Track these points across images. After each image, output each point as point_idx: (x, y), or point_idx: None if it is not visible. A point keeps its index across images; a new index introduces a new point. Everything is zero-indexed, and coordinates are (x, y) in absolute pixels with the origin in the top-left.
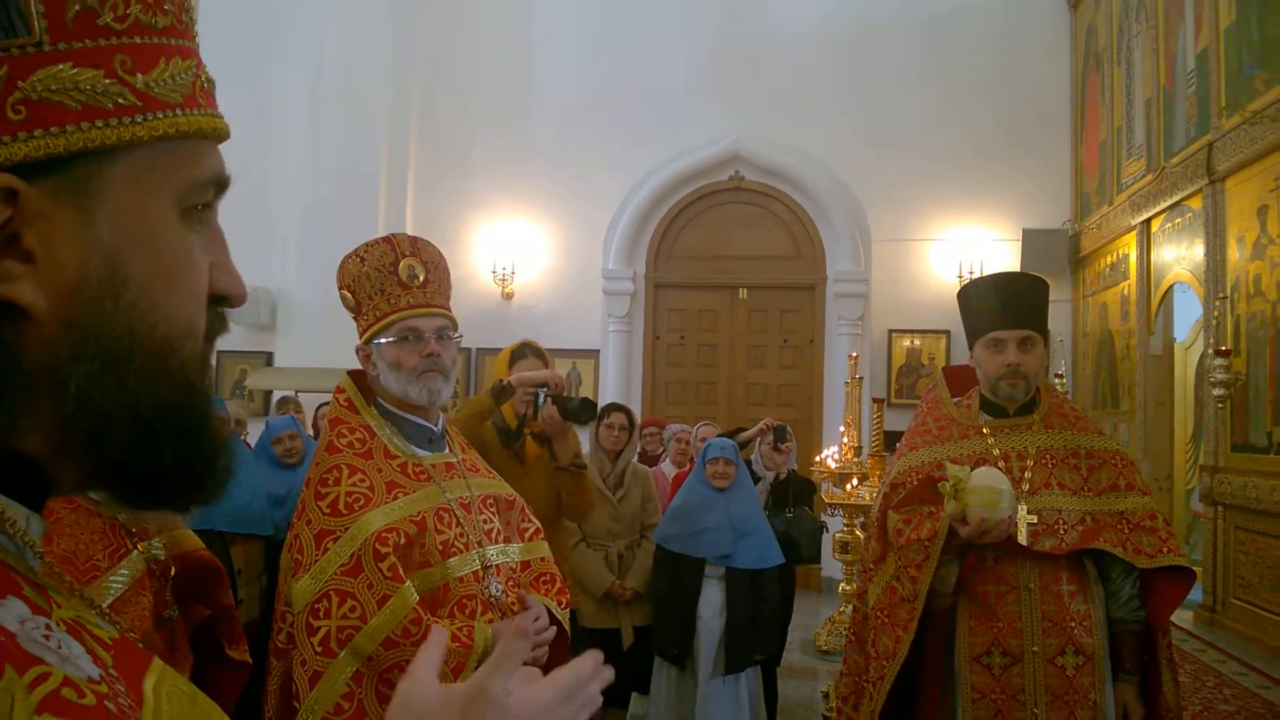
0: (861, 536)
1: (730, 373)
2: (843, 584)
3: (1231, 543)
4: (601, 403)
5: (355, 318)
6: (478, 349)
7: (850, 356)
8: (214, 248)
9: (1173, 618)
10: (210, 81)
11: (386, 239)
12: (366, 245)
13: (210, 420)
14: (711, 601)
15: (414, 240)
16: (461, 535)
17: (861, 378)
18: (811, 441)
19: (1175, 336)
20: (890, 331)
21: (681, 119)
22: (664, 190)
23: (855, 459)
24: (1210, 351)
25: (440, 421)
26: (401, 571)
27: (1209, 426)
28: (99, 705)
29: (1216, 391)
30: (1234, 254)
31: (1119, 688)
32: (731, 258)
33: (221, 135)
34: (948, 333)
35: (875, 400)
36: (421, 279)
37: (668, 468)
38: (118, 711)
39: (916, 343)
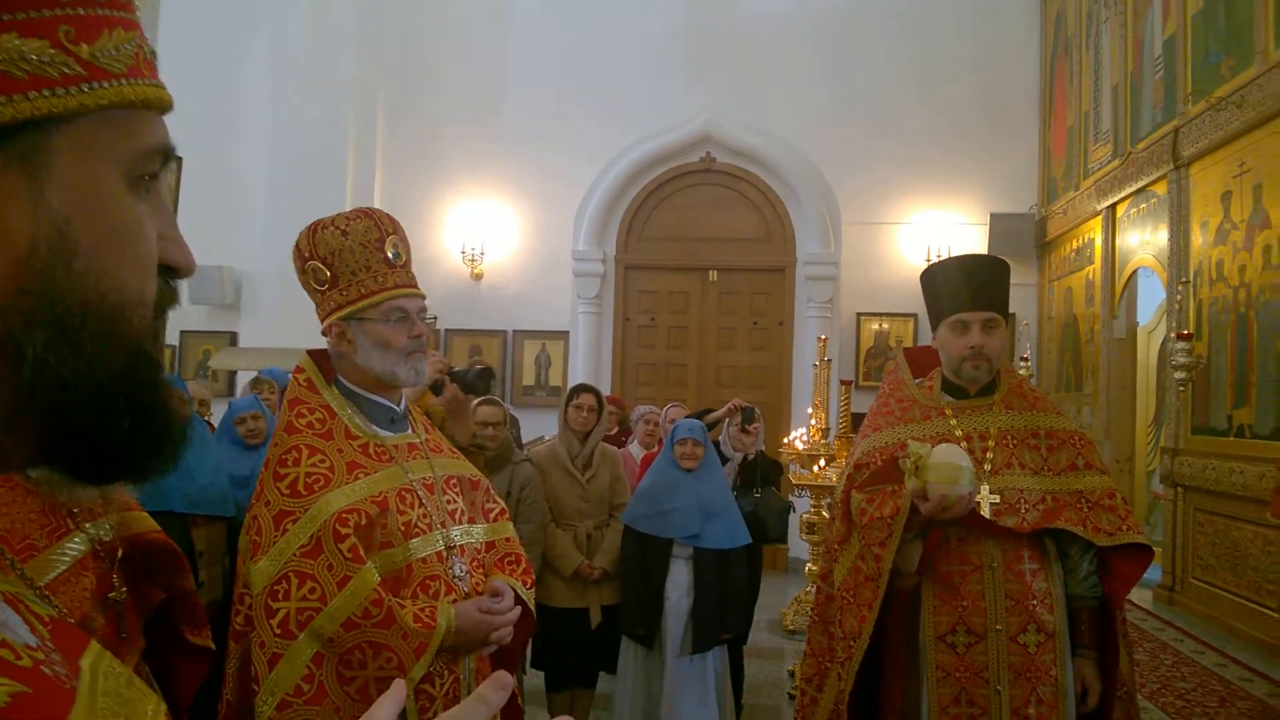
0: (827, 517)
1: (700, 354)
2: (809, 564)
3: (1190, 524)
4: (571, 384)
5: (324, 291)
6: (447, 330)
7: (819, 339)
8: (161, 218)
9: (1133, 597)
10: (153, 53)
11: (365, 213)
12: (344, 218)
13: (163, 388)
14: (679, 581)
15: (392, 219)
16: (425, 516)
17: (830, 360)
18: (780, 423)
19: (1138, 321)
20: (859, 314)
21: (653, 100)
22: (635, 171)
23: (823, 440)
24: (1172, 335)
25: (402, 401)
26: (362, 552)
27: (1170, 409)
28: (35, 669)
29: (1178, 375)
30: (1197, 239)
31: (1077, 663)
32: (702, 240)
33: (165, 106)
34: (915, 316)
35: (843, 382)
36: (404, 258)
37: (635, 449)
38: (54, 677)
39: (885, 326)
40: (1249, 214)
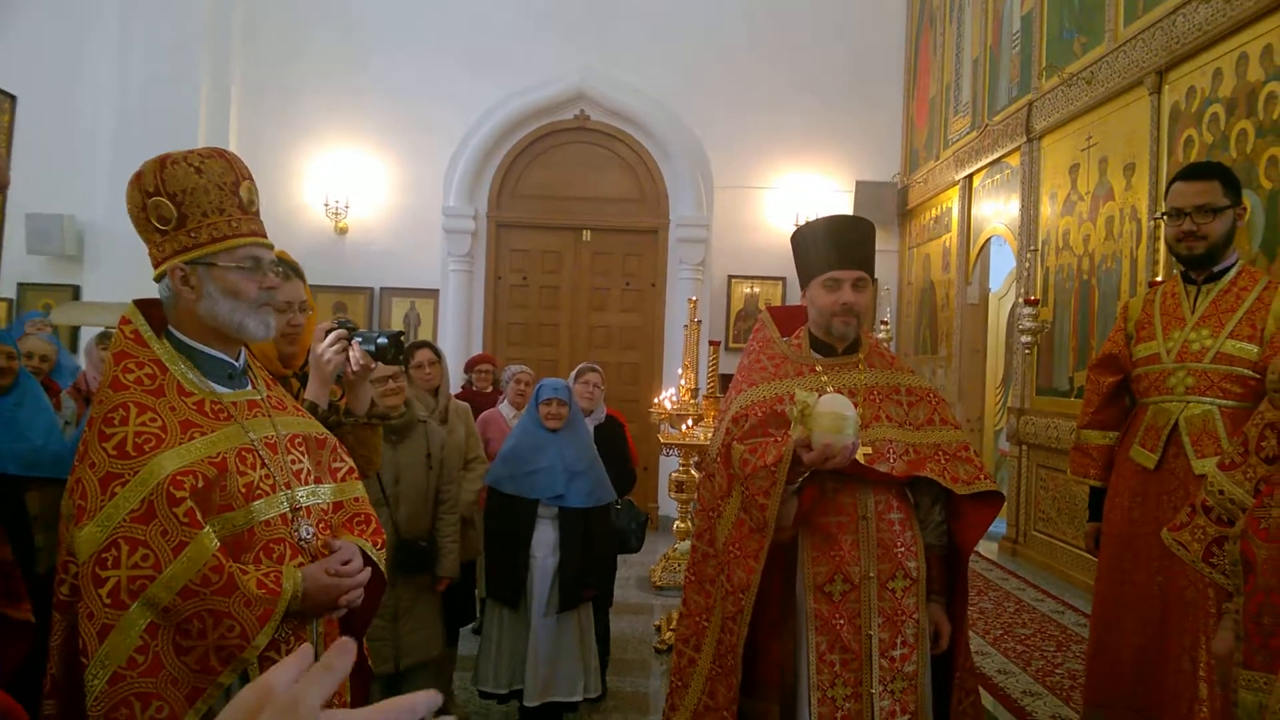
0: (697, 476)
1: (573, 314)
2: (678, 522)
3: (1034, 480)
4: (441, 343)
5: (167, 231)
6: (309, 286)
7: (689, 300)
8: None
9: (980, 549)
10: None
11: (220, 153)
12: (198, 155)
13: None
14: (544, 541)
15: (243, 163)
16: (267, 477)
17: (700, 321)
18: (652, 383)
19: (990, 287)
20: (730, 277)
21: (527, 54)
22: (508, 127)
23: (692, 401)
24: (1021, 301)
25: (242, 356)
26: (200, 516)
27: (1017, 371)
28: None
29: (1024, 339)
30: (1046, 210)
31: (930, 607)
32: (576, 199)
33: None
34: (784, 279)
35: (711, 343)
36: (256, 206)
37: (506, 408)
38: None
39: (755, 289)
40: (1094, 186)
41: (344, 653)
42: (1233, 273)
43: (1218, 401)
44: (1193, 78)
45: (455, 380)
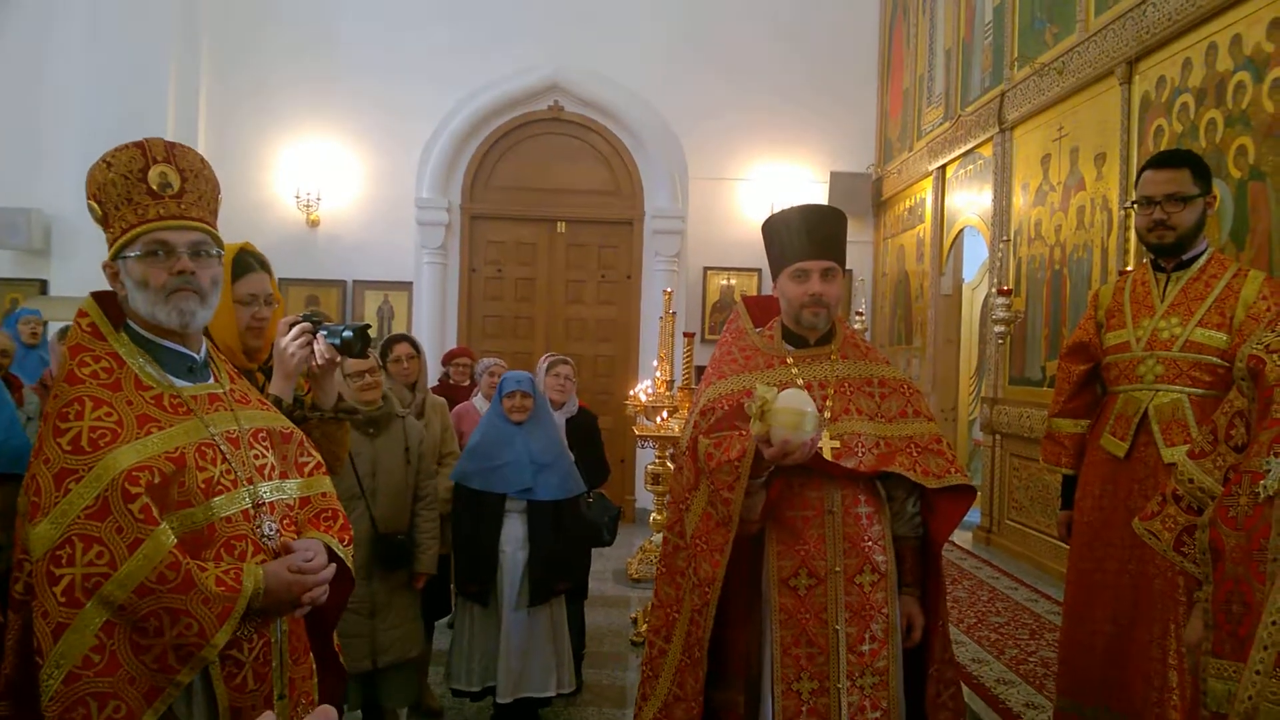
0: (672, 468)
1: (548, 307)
2: (654, 514)
3: (1007, 469)
4: (418, 337)
5: (105, 229)
6: (280, 279)
7: (665, 292)
8: None
9: (954, 538)
10: None
11: (138, 143)
12: (115, 149)
13: None
14: (513, 535)
15: (170, 146)
16: (229, 472)
17: (675, 313)
18: (628, 376)
19: (964, 278)
20: (706, 269)
21: (501, 44)
22: (481, 118)
23: (667, 393)
24: (994, 291)
25: (204, 348)
26: (156, 513)
27: (990, 361)
28: None
29: (997, 329)
30: (1018, 200)
31: (903, 599)
32: (550, 190)
33: None
34: (759, 271)
35: (686, 335)
36: (176, 188)
37: (479, 401)
38: None
39: (731, 280)
40: (1065, 176)
41: None
42: (1202, 261)
43: (1187, 390)
44: (1163, 67)
45: (433, 374)
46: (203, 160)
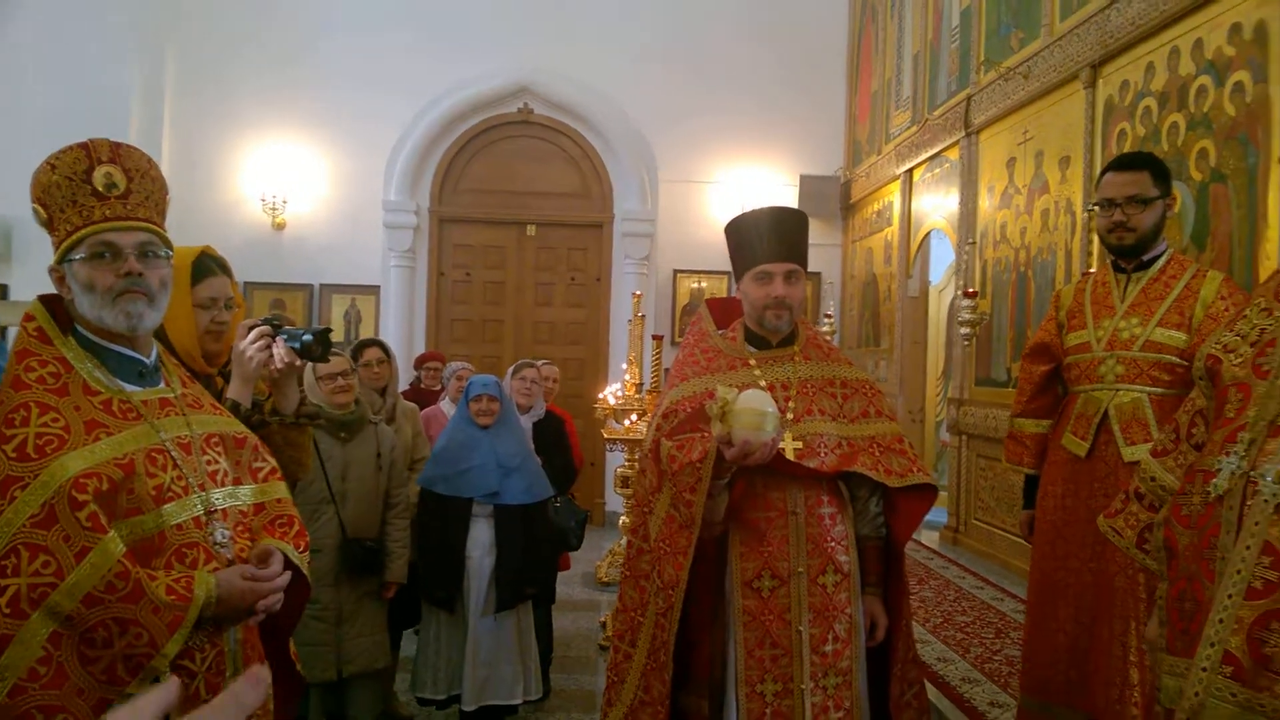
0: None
1: (517, 310)
2: (624, 517)
3: (974, 469)
4: (385, 341)
5: (50, 234)
6: (246, 283)
7: (634, 295)
8: None
9: (921, 538)
10: None
11: (82, 144)
12: (59, 151)
13: None
14: (480, 540)
15: (115, 146)
16: (180, 478)
17: (644, 316)
18: (597, 379)
19: (931, 280)
20: (675, 271)
21: (469, 45)
22: (449, 120)
23: (636, 395)
24: (960, 294)
25: (154, 352)
26: (104, 521)
27: (957, 363)
28: None
29: (963, 330)
30: (984, 203)
31: (866, 599)
32: (519, 193)
33: None
34: (729, 274)
35: (655, 337)
36: (122, 189)
37: (447, 405)
38: None
39: (701, 284)
40: (1030, 179)
41: (255, 683)
42: (1162, 261)
43: (1147, 389)
44: (1126, 71)
45: (402, 379)
46: (149, 160)
